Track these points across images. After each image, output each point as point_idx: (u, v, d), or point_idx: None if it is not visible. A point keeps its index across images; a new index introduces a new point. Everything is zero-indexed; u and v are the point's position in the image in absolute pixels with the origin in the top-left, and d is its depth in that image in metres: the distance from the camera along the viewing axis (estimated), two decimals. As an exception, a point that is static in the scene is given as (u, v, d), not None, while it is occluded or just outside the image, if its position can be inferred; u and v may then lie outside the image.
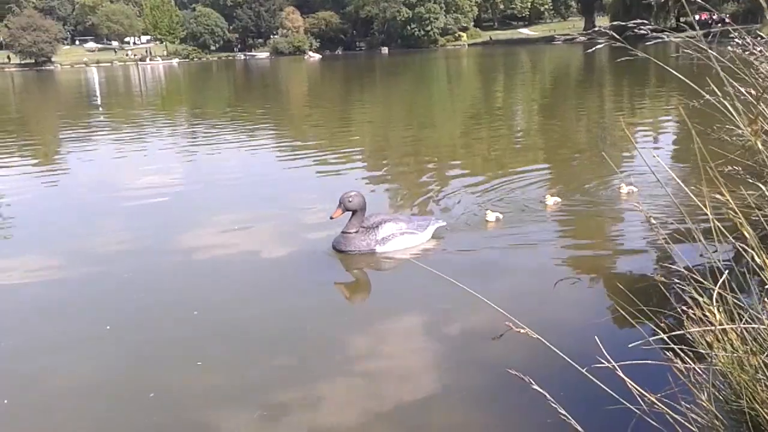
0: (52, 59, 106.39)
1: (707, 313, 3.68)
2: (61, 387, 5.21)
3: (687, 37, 3.69)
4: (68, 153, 18.66)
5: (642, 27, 3.68)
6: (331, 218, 7.77)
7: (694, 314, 3.77)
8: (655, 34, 3.65)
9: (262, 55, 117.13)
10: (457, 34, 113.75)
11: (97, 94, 47.98)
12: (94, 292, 7.25)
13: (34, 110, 37.10)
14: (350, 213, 7.77)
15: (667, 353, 3.40)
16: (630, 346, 3.00)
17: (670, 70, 3.60)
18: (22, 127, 27.25)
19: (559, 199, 9.31)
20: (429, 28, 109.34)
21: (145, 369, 5.42)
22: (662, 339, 3.27)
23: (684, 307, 3.78)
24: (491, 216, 8.58)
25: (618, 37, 3.58)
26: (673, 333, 3.42)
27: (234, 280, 7.34)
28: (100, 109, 34.93)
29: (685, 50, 3.71)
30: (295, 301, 6.66)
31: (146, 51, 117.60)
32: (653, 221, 3.12)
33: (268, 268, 7.76)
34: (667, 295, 3.86)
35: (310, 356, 5.48)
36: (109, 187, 13.11)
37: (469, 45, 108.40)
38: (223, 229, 9.22)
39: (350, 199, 7.70)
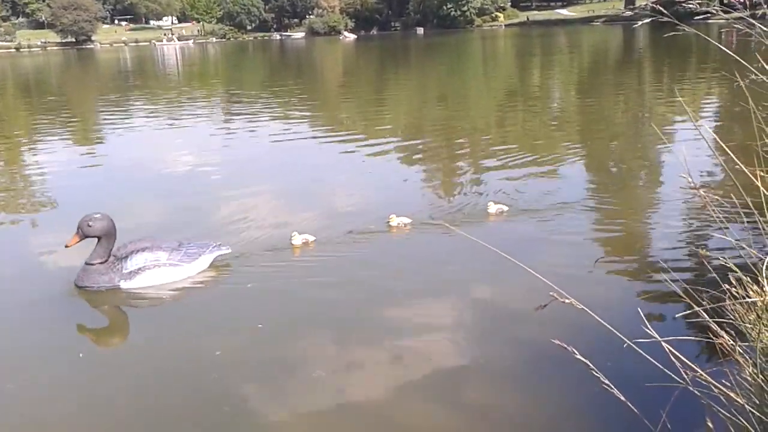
0: (92, 38, 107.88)
1: (750, 292, 3.67)
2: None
3: (733, 17, 3.65)
4: (109, 130, 19.01)
5: (690, 2, 3.64)
6: (66, 247, 6.49)
7: (737, 292, 3.76)
8: (703, 9, 3.61)
9: (298, 35, 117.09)
10: (493, 15, 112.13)
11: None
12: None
13: (81, 88, 37.79)
14: (96, 239, 6.47)
15: (709, 330, 3.40)
16: (677, 316, 3.02)
17: (725, 49, 3.56)
18: (65, 105, 27.83)
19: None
20: (465, 8, 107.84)
21: (209, 331, 5.70)
22: (704, 316, 3.27)
23: (726, 285, 3.78)
24: (297, 239, 7.51)
25: (666, 12, 3.55)
26: (714, 310, 3.41)
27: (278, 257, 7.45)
28: (137, 86, 35.41)
29: (735, 27, 3.67)
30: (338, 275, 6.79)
31: (198, 31, 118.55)
32: (703, 194, 3.11)
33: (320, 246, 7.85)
34: (711, 272, 3.85)
35: (345, 328, 5.64)
36: (145, 164, 13.42)
37: (505, 25, 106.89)
38: (254, 210, 9.28)
39: (90, 224, 6.33)
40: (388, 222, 7.86)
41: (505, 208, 8.26)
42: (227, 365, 5.05)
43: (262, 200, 9.70)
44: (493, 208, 8.24)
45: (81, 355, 5.37)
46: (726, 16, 3.64)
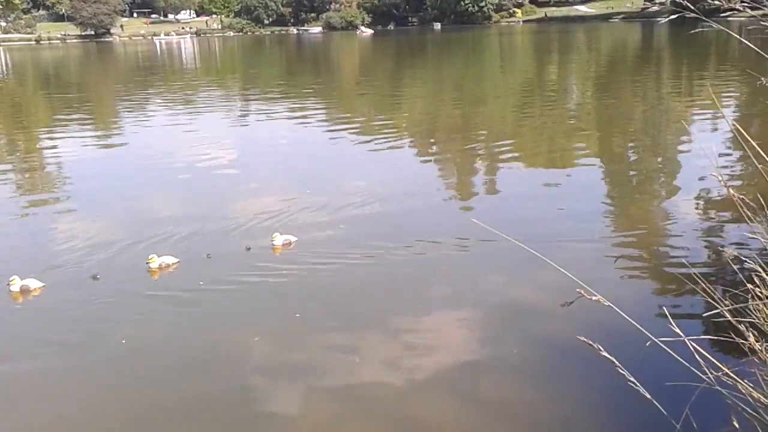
0: (111, 31, 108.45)
1: (774, 292, 3.64)
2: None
3: (758, 14, 3.62)
4: (128, 121, 19.13)
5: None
6: None
7: (761, 292, 3.73)
8: (728, 6, 3.59)
9: (315, 29, 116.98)
10: (511, 11, 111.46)
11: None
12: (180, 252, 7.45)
13: (99, 78, 38.03)
14: None
15: (732, 330, 3.39)
16: (704, 315, 3.01)
17: (753, 47, 3.54)
18: (85, 96, 28.03)
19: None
20: (483, 3, 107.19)
21: (249, 318, 5.87)
22: (728, 316, 3.25)
23: (751, 285, 3.75)
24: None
25: (692, 7, 3.53)
26: (737, 309, 3.39)
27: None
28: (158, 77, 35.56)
29: (762, 23, 3.65)
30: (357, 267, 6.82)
31: (216, 24, 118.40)
32: (732, 192, 3.09)
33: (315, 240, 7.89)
34: (735, 271, 3.83)
35: (366, 321, 5.68)
36: (161, 156, 13.48)
37: (523, 21, 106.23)
38: (269, 203, 9.32)
39: None
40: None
41: (293, 239, 7.52)
42: (265, 350, 5.28)
43: (281, 195, 9.74)
44: (279, 239, 7.47)
45: (123, 341, 5.51)
46: (752, 12, 3.61)
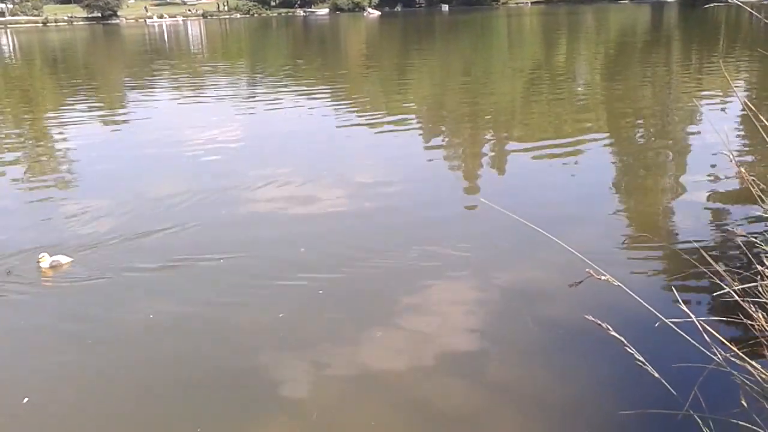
0: (118, 13, 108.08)
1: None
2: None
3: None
4: (133, 104, 19.12)
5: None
6: None
7: (770, 273, 3.72)
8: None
9: (322, 11, 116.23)
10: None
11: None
12: (175, 237, 7.59)
13: (104, 60, 38.02)
14: None
15: (740, 311, 3.39)
16: (715, 295, 3.00)
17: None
18: (92, 79, 28.04)
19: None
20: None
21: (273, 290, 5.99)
22: (736, 296, 3.25)
23: (760, 266, 3.74)
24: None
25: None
26: (746, 290, 3.38)
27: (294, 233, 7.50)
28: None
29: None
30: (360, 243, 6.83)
31: (222, 6, 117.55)
32: (743, 172, 3.08)
33: (320, 220, 7.90)
34: (745, 252, 3.82)
35: (372, 304, 5.69)
36: (168, 139, 13.47)
37: (531, 3, 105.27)
38: (275, 186, 9.33)
39: None
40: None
41: (65, 261, 6.78)
42: (287, 325, 5.37)
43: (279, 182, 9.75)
44: (46, 261, 6.69)
45: (151, 316, 5.63)
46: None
